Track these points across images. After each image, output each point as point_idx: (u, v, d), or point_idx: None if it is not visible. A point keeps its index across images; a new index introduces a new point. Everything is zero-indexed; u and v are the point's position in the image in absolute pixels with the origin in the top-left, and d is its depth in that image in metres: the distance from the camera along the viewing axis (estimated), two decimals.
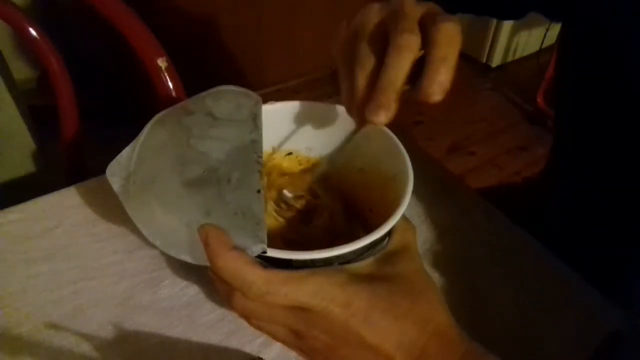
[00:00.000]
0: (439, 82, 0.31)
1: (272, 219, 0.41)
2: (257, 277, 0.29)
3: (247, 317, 0.32)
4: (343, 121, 0.43)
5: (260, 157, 0.35)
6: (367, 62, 0.33)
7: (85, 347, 0.38)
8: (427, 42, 0.32)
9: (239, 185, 0.33)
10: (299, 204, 0.42)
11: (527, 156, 1.79)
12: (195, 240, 0.31)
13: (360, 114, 0.33)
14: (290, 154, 0.45)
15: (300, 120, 0.44)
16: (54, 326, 0.39)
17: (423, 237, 0.49)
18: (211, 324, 0.40)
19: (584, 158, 0.50)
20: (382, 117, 0.32)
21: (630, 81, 0.40)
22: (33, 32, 0.64)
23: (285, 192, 0.42)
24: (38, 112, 0.96)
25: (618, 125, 0.44)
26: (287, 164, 0.46)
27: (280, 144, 0.45)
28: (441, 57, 0.31)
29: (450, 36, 0.32)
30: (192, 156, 0.35)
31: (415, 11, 0.33)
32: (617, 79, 0.42)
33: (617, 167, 0.45)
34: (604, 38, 0.42)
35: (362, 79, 0.33)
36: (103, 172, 0.38)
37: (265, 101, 0.41)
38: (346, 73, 0.35)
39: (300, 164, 0.46)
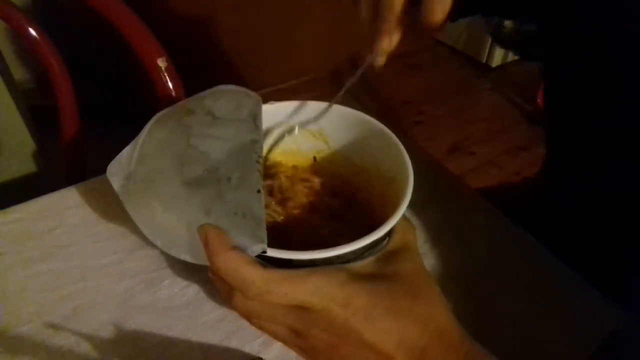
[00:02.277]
0: (437, 2, 0.35)
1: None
2: (256, 277, 0.29)
3: (247, 316, 0.32)
4: (343, 121, 0.43)
5: (260, 157, 0.35)
6: None
7: (85, 347, 0.38)
8: None
9: (239, 185, 0.33)
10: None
11: (527, 156, 1.79)
12: (196, 240, 0.31)
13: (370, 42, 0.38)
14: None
15: (301, 120, 0.44)
16: (54, 326, 0.39)
17: (423, 237, 0.49)
18: (211, 324, 0.40)
19: (580, 158, 0.50)
20: (385, 42, 0.37)
21: (623, 81, 0.41)
22: (33, 32, 0.64)
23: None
24: (38, 112, 0.96)
25: (611, 125, 0.44)
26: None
27: (280, 144, 0.45)
28: None
29: None
30: (192, 156, 0.35)
31: None
32: (609, 80, 0.42)
33: (614, 167, 0.45)
34: (599, 39, 0.42)
35: (365, 10, 0.38)
36: (103, 172, 0.38)
37: (265, 101, 0.41)
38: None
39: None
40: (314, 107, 0.43)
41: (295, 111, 0.44)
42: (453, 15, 0.57)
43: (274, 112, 0.42)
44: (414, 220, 0.49)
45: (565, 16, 0.46)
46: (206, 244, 0.30)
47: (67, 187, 0.51)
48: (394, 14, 0.36)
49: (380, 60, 0.39)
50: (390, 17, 0.36)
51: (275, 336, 0.33)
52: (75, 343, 0.38)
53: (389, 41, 0.37)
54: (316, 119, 0.44)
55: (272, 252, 0.30)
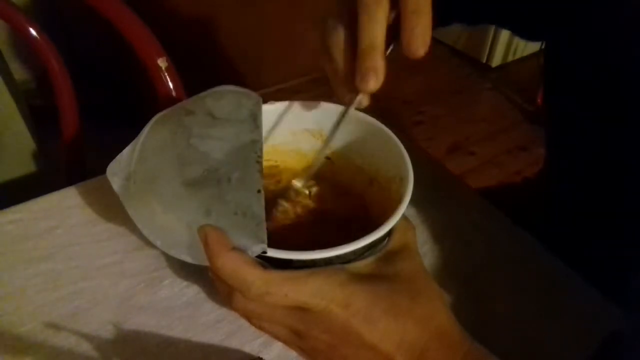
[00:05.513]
0: (417, 35, 0.30)
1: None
2: (256, 278, 0.29)
3: (247, 317, 0.32)
4: (343, 120, 0.43)
5: (260, 157, 0.35)
6: (338, 34, 0.32)
7: (85, 347, 0.38)
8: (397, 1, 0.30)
9: (239, 185, 0.33)
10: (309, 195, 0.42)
11: (527, 156, 1.79)
12: (196, 240, 0.31)
13: (347, 88, 0.33)
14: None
15: (301, 120, 0.44)
16: (54, 326, 0.39)
17: (423, 237, 0.49)
18: (211, 324, 0.40)
19: (580, 159, 0.50)
20: (373, 82, 0.31)
21: (622, 83, 0.41)
22: (33, 32, 0.64)
23: (295, 182, 0.42)
24: (38, 112, 0.96)
25: (610, 125, 0.44)
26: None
27: (281, 144, 0.45)
28: (413, 10, 0.29)
29: None
30: (192, 156, 0.35)
31: None
32: (609, 81, 0.42)
33: (613, 168, 0.45)
34: (600, 41, 0.42)
35: (338, 53, 0.32)
36: (103, 172, 0.38)
37: (265, 101, 0.41)
38: (326, 56, 0.34)
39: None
40: (314, 107, 0.43)
41: (295, 111, 0.43)
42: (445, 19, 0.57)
43: (274, 112, 0.42)
44: (414, 220, 0.49)
45: (567, 19, 0.46)
46: (206, 245, 0.30)
47: (67, 187, 0.51)
48: (378, 50, 0.30)
49: (367, 100, 0.34)
50: (375, 54, 0.30)
51: (276, 337, 0.33)
52: (75, 343, 0.38)
53: (376, 80, 0.31)
54: (316, 119, 0.44)
55: (273, 252, 0.30)
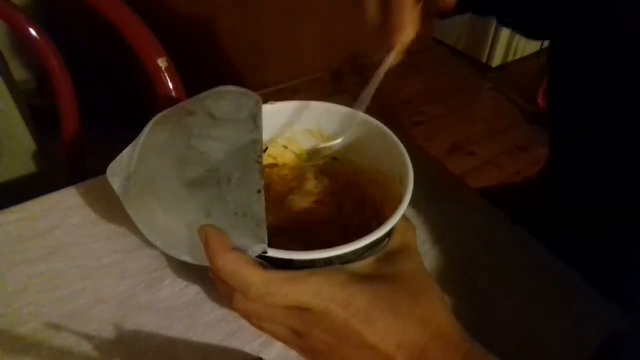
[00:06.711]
0: None
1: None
2: (256, 278, 0.29)
3: (248, 317, 0.32)
4: (343, 121, 0.43)
5: (261, 156, 0.35)
6: None
7: (85, 347, 0.38)
8: None
9: (239, 185, 0.33)
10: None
11: (527, 156, 1.79)
12: (196, 241, 0.31)
13: (380, 41, 0.36)
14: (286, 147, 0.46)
15: (301, 120, 0.44)
16: (54, 326, 0.39)
17: (423, 237, 0.49)
18: (211, 324, 0.40)
19: (583, 159, 0.50)
20: (407, 32, 0.34)
21: (624, 83, 0.41)
22: (33, 32, 0.64)
23: None
24: (38, 112, 0.96)
25: (611, 124, 0.44)
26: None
27: (280, 144, 0.45)
28: None
29: None
30: (192, 156, 0.35)
31: None
32: (611, 82, 0.42)
33: (615, 167, 0.45)
34: (600, 42, 0.42)
35: (373, 7, 0.35)
36: (103, 172, 0.38)
37: (265, 101, 0.41)
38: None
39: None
40: (314, 107, 0.43)
41: (295, 111, 0.44)
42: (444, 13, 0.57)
43: (274, 112, 0.42)
44: (415, 220, 0.49)
45: (570, 18, 0.46)
46: (206, 245, 0.30)
47: (67, 187, 0.51)
48: (408, 4, 0.34)
49: (398, 57, 0.37)
50: (404, 8, 0.34)
51: (276, 337, 0.33)
52: (75, 343, 0.38)
53: (406, 35, 0.35)
54: (316, 119, 0.44)
55: (273, 252, 0.30)
